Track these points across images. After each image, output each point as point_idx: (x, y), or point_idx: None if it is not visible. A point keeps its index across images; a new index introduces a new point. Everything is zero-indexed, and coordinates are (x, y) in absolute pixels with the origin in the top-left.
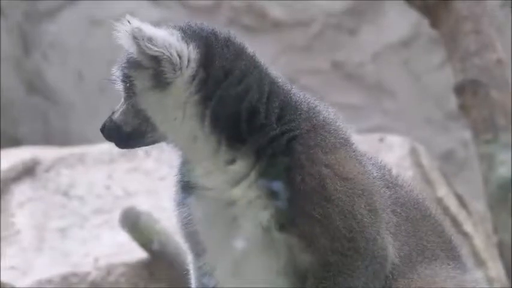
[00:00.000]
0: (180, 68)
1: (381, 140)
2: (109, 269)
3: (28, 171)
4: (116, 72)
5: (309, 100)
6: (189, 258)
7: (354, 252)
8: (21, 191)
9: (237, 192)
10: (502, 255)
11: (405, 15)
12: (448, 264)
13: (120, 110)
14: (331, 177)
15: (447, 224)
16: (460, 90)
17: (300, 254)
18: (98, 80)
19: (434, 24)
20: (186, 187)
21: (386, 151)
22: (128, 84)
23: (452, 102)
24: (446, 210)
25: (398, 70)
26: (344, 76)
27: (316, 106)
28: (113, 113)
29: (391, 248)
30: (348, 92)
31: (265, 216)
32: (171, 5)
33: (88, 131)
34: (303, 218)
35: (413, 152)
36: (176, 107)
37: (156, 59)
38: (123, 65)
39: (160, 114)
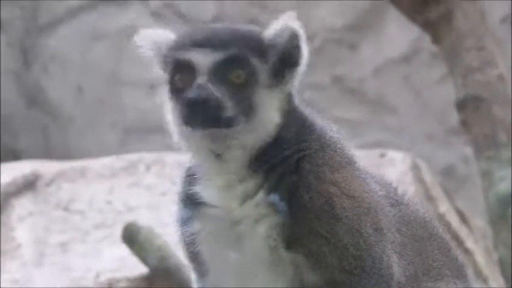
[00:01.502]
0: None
1: (382, 155)
2: (110, 284)
3: (29, 185)
4: (237, 55)
5: (318, 118)
6: (192, 277)
7: (360, 271)
8: (21, 205)
9: (245, 210)
10: (502, 271)
11: (406, 30)
12: (454, 283)
13: (221, 90)
14: (338, 195)
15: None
16: (461, 106)
17: (306, 273)
18: (98, 93)
19: (436, 40)
20: (190, 205)
21: (388, 167)
22: (246, 71)
23: (454, 117)
24: (447, 226)
25: (399, 85)
26: (345, 91)
27: (324, 124)
28: (200, 86)
29: (396, 267)
30: (348, 107)
31: (272, 234)
32: (171, 18)
33: (88, 145)
34: (310, 237)
35: (414, 168)
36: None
37: (294, 58)
38: (250, 52)
39: (266, 111)
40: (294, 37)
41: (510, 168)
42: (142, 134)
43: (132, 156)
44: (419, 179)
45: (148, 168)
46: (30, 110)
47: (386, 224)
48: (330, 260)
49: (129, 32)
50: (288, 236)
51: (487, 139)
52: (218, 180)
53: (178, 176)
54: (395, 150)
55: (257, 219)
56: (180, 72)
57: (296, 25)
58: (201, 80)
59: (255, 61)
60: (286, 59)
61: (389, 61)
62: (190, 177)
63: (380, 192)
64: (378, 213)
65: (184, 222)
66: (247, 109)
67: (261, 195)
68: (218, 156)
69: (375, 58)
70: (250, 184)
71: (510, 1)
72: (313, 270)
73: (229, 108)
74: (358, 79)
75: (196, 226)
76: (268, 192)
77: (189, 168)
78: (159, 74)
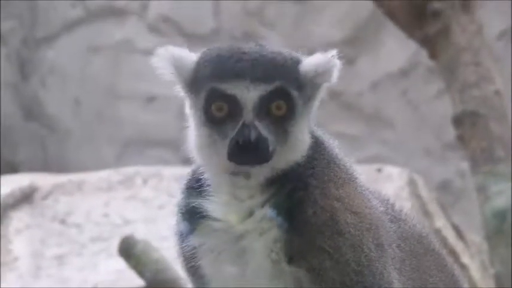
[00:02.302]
0: None
1: (379, 170)
2: None
3: (26, 198)
4: (282, 88)
5: (324, 134)
6: None
7: (361, 286)
8: (19, 218)
9: (249, 224)
10: (498, 287)
11: (403, 45)
12: None
13: (264, 125)
14: (342, 211)
15: (449, 258)
16: (458, 121)
17: (307, 286)
18: (95, 106)
19: (433, 55)
20: (192, 218)
21: (385, 181)
22: (287, 104)
23: (450, 132)
24: (444, 241)
25: (397, 100)
26: (342, 105)
27: (328, 140)
28: (250, 127)
29: (397, 283)
30: (346, 122)
31: (275, 248)
32: (168, 32)
33: (86, 158)
34: (312, 251)
35: (411, 183)
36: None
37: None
38: (291, 84)
39: (300, 136)
40: (330, 74)
41: (506, 183)
42: (139, 147)
43: (129, 170)
44: (416, 195)
45: (145, 181)
46: (28, 123)
47: (387, 240)
48: (331, 275)
49: (127, 45)
50: (290, 250)
51: (483, 154)
52: (226, 194)
53: (178, 188)
54: (392, 165)
55: (261, 233)
56: (219, 102)
57: (335, 63)
58: (248, 118)
59: (295, 93)
60: (317, 89)
61: (387, 76)
62: (192, 190)
63: (380, 208)
64: (379, 229)
65: (184, 235)
66: (284, 138)
67: (266, 209)
68: (242, 175)
69: (373, 73)
70: (259, 199)
71: (510, 16)
72: (315, 285)
73: (272, 143)
74: (355, 93)
75: (197, 239)
76: (274, 206)
77: (190, 180)
78: (180, 92)
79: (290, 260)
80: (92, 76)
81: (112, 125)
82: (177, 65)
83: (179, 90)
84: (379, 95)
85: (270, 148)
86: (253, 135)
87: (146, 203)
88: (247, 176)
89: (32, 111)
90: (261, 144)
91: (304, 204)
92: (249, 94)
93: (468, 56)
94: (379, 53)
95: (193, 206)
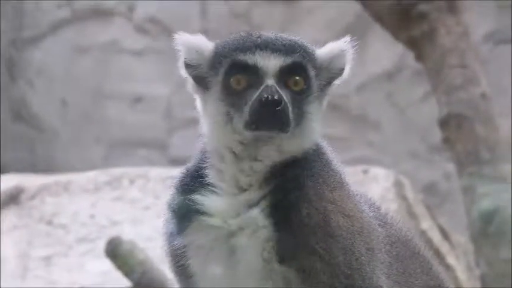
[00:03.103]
0: None
1: (365, 172)
2: None
3: (13, 198)
4: (301, 62)
5: (322, 140)
6: None
7: None
8: (5, 219)
9: (244, 220)
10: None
11: (390, 47)
12: None
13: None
14: (335, 213)
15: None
16: (444, 123)
17: (296, 287)
18: (82, 107)
19: (419, 57)
20: (184, 216)
21: (371, 183)
22: (305, 80)
23: (436, 134)
24: (429, 242)
25: (383, 102)
26: (328, 107)
27: (323, 143)
28: (272, 88)
29: (385, 287)
30: (332, 124)
31: (267, 247)
32: (156, 33)
33: (73, 159)
34: (304, 252)
35: (397, 185)
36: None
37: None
38: (309, 63)
39: (313, 121)
40: (344, 63)
41: (492, 185)
42: (126, 148)
43: (116, 171)
44: (402, 196)
45: (132, 182)
46: (15, 124)
47: (377, 244)
48: (321, 277)
49: (113, 46)
50: (282, 250)
51: (469, 156)
52: (227, 184)
53: (166, 188)
54: (378, 167)
55: (255, 230)
56: (240, 74)
57: (350, 53)
58: (270, 82)
59: (312, 73)
60: (331, 79)
61: (373, 78)
62: (186, 186)
63: (370, 214)
64: (370, 233)
65: (174, 234)
66: (300, 117)
67: (262, 206)
68: (248, 159)
69: (359, 75)
70: (256, 193)
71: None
72: (304, 286)
73: (290, 113)
74: (341, 95)
75: (188, 237)
76: (270, 204)
77: (184, 177)
78: (198, 76)
79: (281, 260)
80: (79, 77)
81: (99, 126)
82: (197, 48)
83: (192, 78)
84: (365, 97)
85: (290, 117)
86: (277, 94)
87: (133, 203)
88: (255, 157)
89: (19, 113)
90: (283, 106)
91: (299, 204)
92: (270, 62)
93: (454, 58)
94: (365, 55)
95: (186, 203)
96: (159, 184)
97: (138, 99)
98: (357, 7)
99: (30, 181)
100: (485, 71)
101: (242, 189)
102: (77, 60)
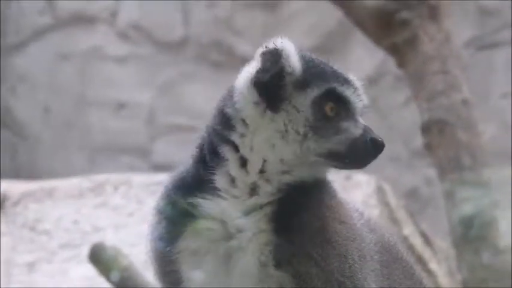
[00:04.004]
0: None
1: (347, 178)
2: None
3: None
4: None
5: None
6: None
7: None
8: None
9: (246, 222)
10: None
11: (371, 53)
12: None
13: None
14: (332, 219)
15: (417, 266)
16: (426, 129)
17: None
18: (65, 114)
19: (401, 63)
20: (178, 220)
21: (353, 189)
22: None
23: (418, 140)
24: (411, 248)
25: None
26: None
27: None
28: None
29: None
30: None
31: (265, 251)
32: (138, 40)
33: (56, 165)
34: (301, 257)
35: (379, 191)
36: None
37: None
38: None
39: None
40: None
41: (473, 191)
42: (109, 154)
43: (100, 177)
44: (384, 202)
45: (115, 188)
46: None
47: (368, 251)
48: (315, 284)
49: (96, 53)
50: (279, 255)
51: (450, 162)
52: (237, 190)
53: (159, 191)
54: (361, 173)
55: (255, 233)
56: (333, 102)
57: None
58: (362, 121)
59: None
60: None
61: None
62: (181, 190)
63: (361, 221)
64: (363, 240)
65: (163, 238)
66: None
67: (266, 210)
68: (283, 172)
69: None
70: (263, 198)
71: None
72: None
73: None
74: None
75: (182, 242)
76: (273, 209)
77: (179, 182)
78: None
79: (277, 264)
80: (62, 83)
81: (82, 132)
82: (292, 61)
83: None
84: None
85: None
86: (380, 137)
87: (116, 210)
88: (289, 172)
89: (2, 119)
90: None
91: (301, 210)
92: (363, 103)
93: (436, 65)
94: (347, 61)
95: (182, 207)
96: (142, 190)
97: (121, 106)
98: (339, 13)
99: (13, 188)
100: (467, 77)
101: (253, 195)
102: (60, 66)
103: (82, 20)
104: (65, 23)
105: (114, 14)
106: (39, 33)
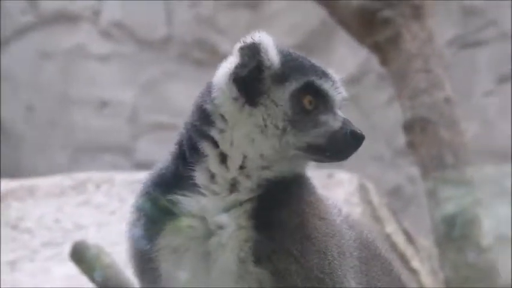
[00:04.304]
0: None
1: (330, 176)
2: None
3: None
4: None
5: None
6: None
7: None
8: None
9: (226, 219)
10: None
11: (354, 52)
12: None
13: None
14: (312, 215)
15: (396, 262)
16: (408, 127)
17: None
18: (48, 112)
19: (384, 62)
20: (157, 218)
21: (335, 187)
22: None
23: (401, 138)
24: (394, 246)
25: (347, 106)
26: None
27: None
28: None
29: None
30: None
31: (245, 247)
32: (121, 38)
33: (38, 164)
34: (280, 254)
35: (362, 189)
36: None
37: None
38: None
39: None
40: None
41: (455, 189)
42: (92, 153)
43: (81, 175)
44: (367, 200)
45: (97, 187)
46: None
47: (347, 248)
48: (294, 280)
49: (79, 51)
50: (258, 251)
51: (433, 160)
52: (217, 186)
53: (137, 189)
54: (343, 171)
55: (235, 229)
56: (311, 95)
57: None
58: (341, 113)
59: None
60: None
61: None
62: (161, 188)
63: (340, 218)
64: (342, 237)
65: (142, 236)
66: None
67: (246, 206)
68: (263, 168)
69: None
70: (245, 195)
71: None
72: None
73: None
74: None
75: (161, 240)
76: (253, 205)
77: (157, 179)
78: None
79: (256, 261)
80: (45, 82)
81: (64, 131)
82: (271, 54)
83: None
84: None
85: None
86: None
87: (98, 208)
88: (269, 167)
89: None
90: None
91: (281, 207)
92: (342, 97)
93: (418, 63)
94: (330, 60)
95: (161, 204)
96: (124, 188)
97: (103, 104)
98: (322, 12)
99: None
100: (450, 75)
101: (233, 191)
102: (43, 65)
103: (65, 19)
104: (47, 22)
105: (96, 13)
106: (21, 32)
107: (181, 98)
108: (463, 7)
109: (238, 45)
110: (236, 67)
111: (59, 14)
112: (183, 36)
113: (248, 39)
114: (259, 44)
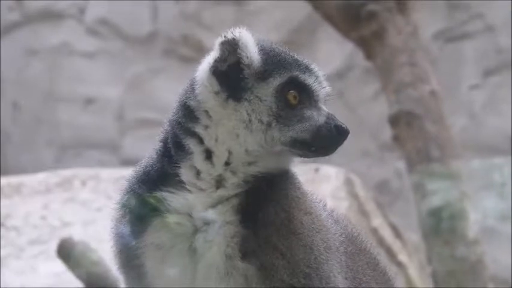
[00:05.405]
0: None
1: (316, 170)
2: None
3: None
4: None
5: None
6: None
7: None
8: None
9: (212, 215)
10: (435, 285)
11: (340, 46)
12: None
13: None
14: (298, 210)
15: (382, 256)
16: (394, 121)
17: (255, 285)
18: (34, 110)
19: (369, 56)
20: (142, 215)
21: (322, 182)
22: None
23: (387, 132)
24: (381, 240)
25: (333, 101)
26: None
27: None
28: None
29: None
30: None
31: (231, 243)
32: (107, 35)
33: (24, 161)
34: (267, 249)
35: (348, 183)
36: None
37: None
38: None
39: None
40: None
41: (441, 182)
42: (78, 149)
43: (67, 172)
44: (353, 194)
45: (83, 184)
46: None
47: (333, 242)
48: (281, 275)
49: (65, 48)
50: (245, 247)
51: (419, 154)
52: (203, 183)
53: (119, 188)
54: (330, 166)
55: (221, 225)
56: (295, 90)
57: None
58: (325, 109)
59: None
60: None
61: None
62: (145, 185)
63: (325, 213)
64: (328, 231)
65: (127, 233)
66: None
67: (232, 201)
68: (248, 163)
69: None
70: (231, 191)
71: (445, 17)
72: (264, 285)
73: None
74: None
75: (146, 237)
76: (240, 200)
77: (142, 176)
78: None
79: (243, 257)
80: (30, 79)
81: (50, 128)
82: (251, 51)
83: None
84: None
85: None
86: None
87: (84, 205)
88: (255, 163)
89: None
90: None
91: (267, 203)
92: (326, 91)
93: (404, 57)
94: (315, 55)
95: (146, 201)
96: (110, 185)
97: (89, 101)
98: (308, 7)
99: None
100: (435, 69)
101: (219, 187)
102: (28, 62)
103: (50, 16)
104: (33, 20)
105: (82, 10)
106: (7, 30)
107: (168, 94)
108: (448, 1)
109: (218, 40)
110: (215, 60)
111: (45, 11)
112: (168, 33)
113: (229, 34)
114: (239, 40)
